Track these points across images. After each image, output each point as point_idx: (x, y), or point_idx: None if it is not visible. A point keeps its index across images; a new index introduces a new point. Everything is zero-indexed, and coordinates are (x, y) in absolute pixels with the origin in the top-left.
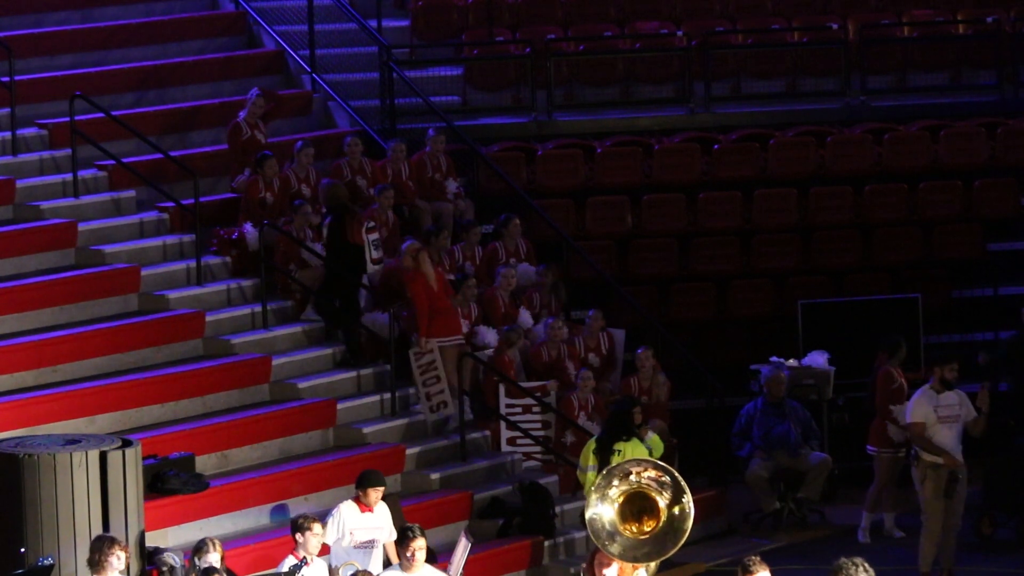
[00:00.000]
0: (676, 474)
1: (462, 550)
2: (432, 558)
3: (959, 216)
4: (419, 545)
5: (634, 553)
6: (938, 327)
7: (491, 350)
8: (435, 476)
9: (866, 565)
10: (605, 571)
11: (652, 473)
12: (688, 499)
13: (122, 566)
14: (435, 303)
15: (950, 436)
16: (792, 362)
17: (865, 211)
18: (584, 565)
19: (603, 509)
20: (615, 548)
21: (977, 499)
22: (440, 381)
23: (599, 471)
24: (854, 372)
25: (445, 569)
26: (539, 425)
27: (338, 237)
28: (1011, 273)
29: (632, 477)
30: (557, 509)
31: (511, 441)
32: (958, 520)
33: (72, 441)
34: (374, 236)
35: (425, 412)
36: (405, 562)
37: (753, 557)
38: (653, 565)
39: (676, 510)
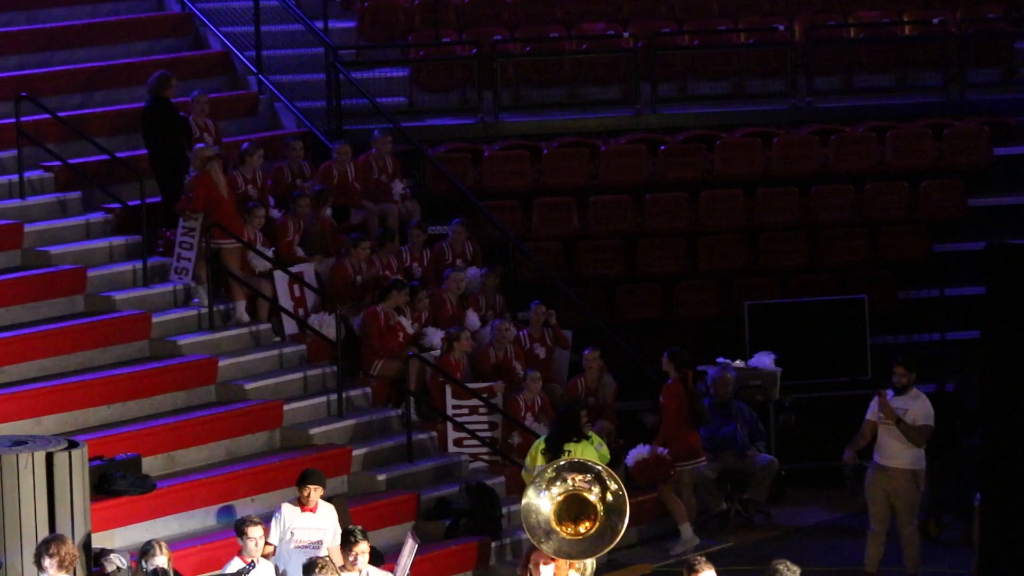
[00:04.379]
0: (614, 479)
1: (409, 551)
2: (379, 559)
3: (905, 217)
4: (362, 549)
5: (568, 551)
6: (884, 328)
7: (438, 351)
8: (382, 477)
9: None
10: (542, 568)
11: (589, 476)
12: (624, 501)
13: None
14: (220, 207)
15: (885, 437)
16: (739, 363)
17: (811, 212)
18: (520, 564)
19: (540, 504)
20: (549, 546)
21: (924, 500)
22: (192, 250)
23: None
24: (801, 373)
25: (391, 570)
26: (486, 426)
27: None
28: (957, 274)
29: (570, 480)
30: (504, 510)
31: (458, 442)
32: (906, 524)
33: (18, 442)
34: None
35: (171, 271)
36: (348, 566)
37: (699, 557)
38: (589, 566)
39: (610, 511)
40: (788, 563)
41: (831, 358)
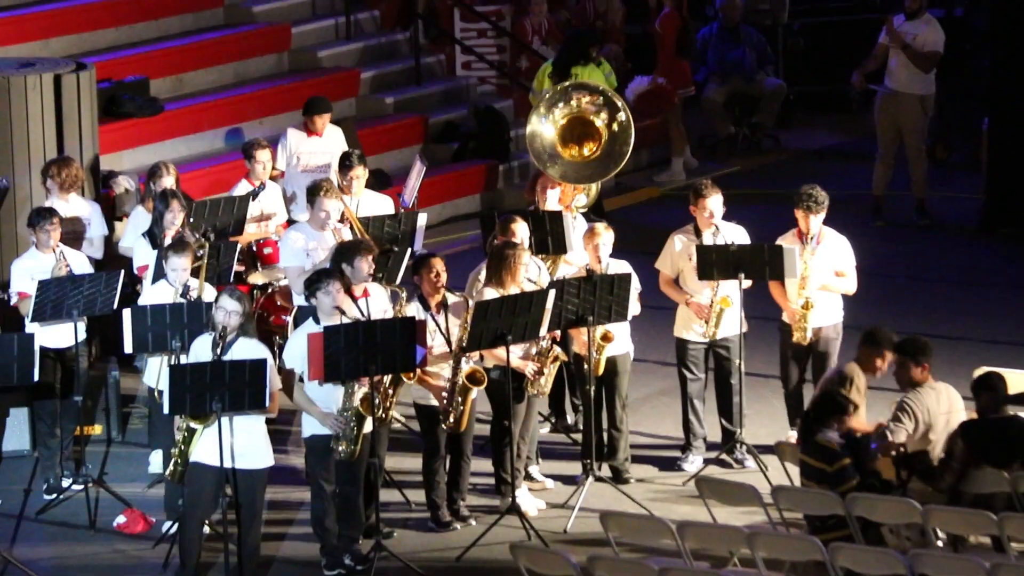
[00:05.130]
0: (619, 100)
1: (416, 174)
2: (386, 182)
3: None
4: (357, 174)
5: (575, 175)
6: None
7: None
8: (390, 100)
9: (819, 189)
10: (548, 192)
11: (594, 98)
12: (629, 124)
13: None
14: None
15: (895, 62)
16: None
17: None
18: (527, 187)
19: (544, 129)
20: (556, 170)
21: (932, 124)
22: None
23: None
24: None
25: (399, 193)
26: (494, 49)
27: None
28: None
29: (575, 102)
30: (511, 133)
31: (466, 65)
32: (913, 148)
33: (26, 64)
34: None
35: None
36: (345, 189)
37: (706, 181)
38: (594, 189)
39: (616, 134)
40: (817, 188)
41: None
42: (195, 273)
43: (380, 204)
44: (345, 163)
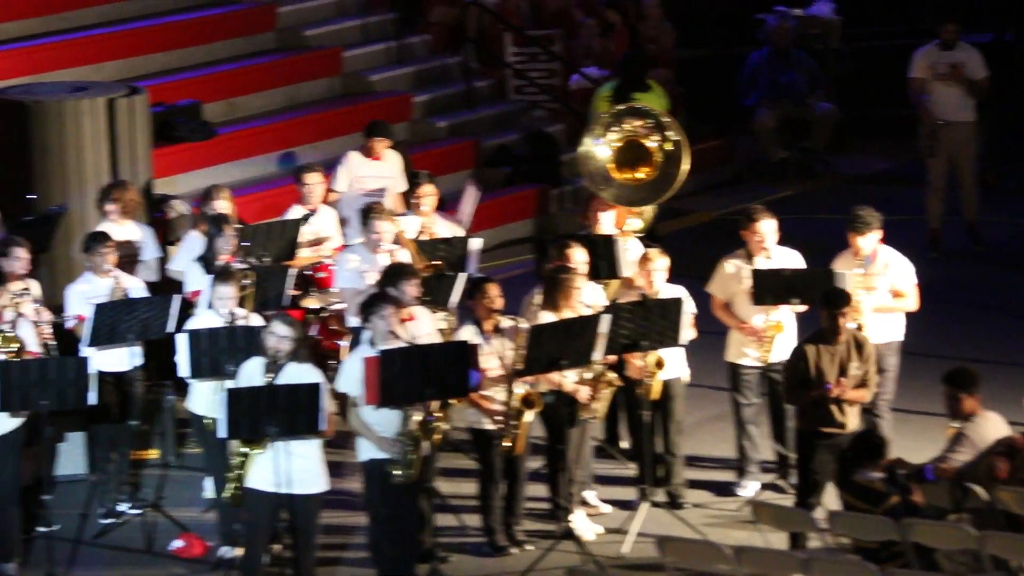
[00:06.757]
0: (674, 124)
1: (470, 198)
2: (440, 206)
3: None
4: (427, 191)
5: (629, 197)
6: None
7: None
8: (442, 124)
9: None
10: (602, 215)
11: (649, 123)
12: (684, 150)
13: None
14: None
15: (945, 92)
16: (798, 11)
17: None
18: (580, 211)
19: (598, 151)
20: (609, 193)
21: (983, 150)
22: None
23: None
24: (861, 20)
25: (454, 216)
26: (545, 73)
27: None
28: None
29: (628, 126)
30: (564, 157)
31: (517, 90)
32: (967, 174)
33: (79, 88)
34: None
35: None
36: (413, 209)
37: (757, 206)
38: (648, 212)
39: (670, 159)
40: (866, 208)
41: (891, 5)
42: (242, 303)
43: (448, 227)
44: (414, 182)
